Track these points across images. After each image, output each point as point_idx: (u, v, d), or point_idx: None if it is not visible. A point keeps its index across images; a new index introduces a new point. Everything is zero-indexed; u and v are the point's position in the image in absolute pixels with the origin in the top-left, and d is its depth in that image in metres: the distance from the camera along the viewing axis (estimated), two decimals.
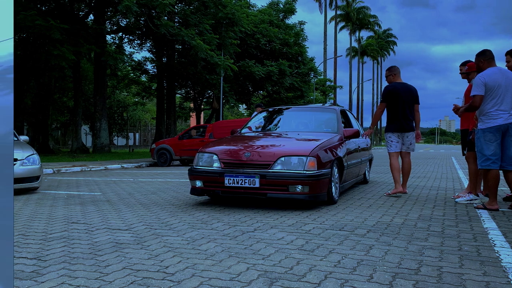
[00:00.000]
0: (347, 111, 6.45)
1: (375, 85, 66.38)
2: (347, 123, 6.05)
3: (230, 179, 4.31)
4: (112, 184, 7.08)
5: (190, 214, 4.05)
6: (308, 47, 28.10)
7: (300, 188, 4.15)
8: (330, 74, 65.83)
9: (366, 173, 6.89)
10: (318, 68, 30.35)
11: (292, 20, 28.48)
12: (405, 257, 2.50)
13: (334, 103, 27.17)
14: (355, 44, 60.24)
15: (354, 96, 57.71)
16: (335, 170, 4.70)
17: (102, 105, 17.74)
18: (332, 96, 39.72)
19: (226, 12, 16.74)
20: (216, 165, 4.50)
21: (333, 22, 51.58)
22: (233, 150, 4.61)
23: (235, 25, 17.66)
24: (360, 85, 59.22)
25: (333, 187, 4.60)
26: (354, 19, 54.66)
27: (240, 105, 33.89)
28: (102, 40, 16.54)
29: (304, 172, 4.15)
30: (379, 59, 66.16)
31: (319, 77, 33.52)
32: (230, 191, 4.37)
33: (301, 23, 27.77)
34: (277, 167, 4.23)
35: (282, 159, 4.26)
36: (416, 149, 15.17)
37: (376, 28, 61.56)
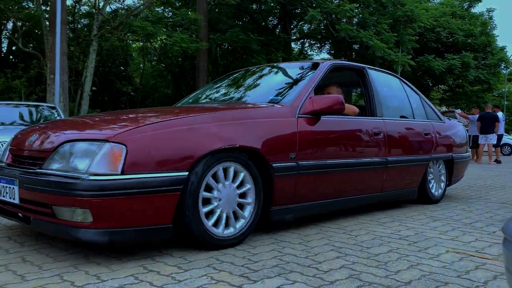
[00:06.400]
0: (368, 71, 3.65)
1: None
2: (368, 93, 3.54)
3: None
4: None
5: None
6: (498, 36, 25.90)
7: (77, 214, 1.97)
8: None
9: (430, 184, 4.09)
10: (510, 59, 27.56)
11: (478, 8, 26.64)
12: None
13: None
14: None
15: None
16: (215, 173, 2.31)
17: None
18: None
19: (405, 10, 17.05)
20: (5, 158, 2.61)
21: None
22: (30, 132, 2.56)
23: (413, 21, 17.81)
24: None
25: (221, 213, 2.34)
26: None
27: None
28: (289, 47, 18.70)
29: (85, 176, 1.94)
30: None
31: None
32: None
33: (490, 10, 25.71)
34: (54, 163, 2.13)
35: (67, 146, 2.14)
36: None
37: None
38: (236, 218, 2.44)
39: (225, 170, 2.38)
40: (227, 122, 2.43)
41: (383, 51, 16.02)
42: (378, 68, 3.98)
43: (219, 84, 3.87)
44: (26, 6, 15.99)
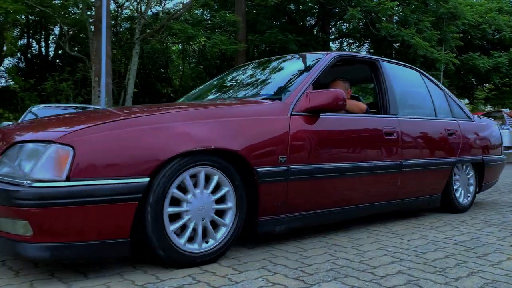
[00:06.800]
0: (382, 63, 3.24)
1: None
2: (381, 88, 3.17)
3: None
4: None
5: None
6: None
7: (19, 226, 1.73)
8: None
9: (455, 191, 3.67)
10: None
11: None
12: None
13: None
14: None
15: None
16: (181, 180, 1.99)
17: None
18: None
19: (448, 7, 16.52)
20: None
21: None
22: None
23: (457, 18, 17.22)
24: None
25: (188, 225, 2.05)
26: None
27: (461, 100, 31.92)
28: (327, 47, 18.52)
29: (27, 182, 1.71)
30: None
31: None
32: None
33: None
34: (1, 168, 1.88)
35: (15, 148, 1.88)
36: None
37: None
38: (216, 226, 2.13)
39: (202, 176, 2.08)
40: (202, 120, 2.10)
41: (426, 50, 15.59)
42: (394, 61, 3.57)
43: (221, 80, 3.55)
44: (72, 12, 16.62)
